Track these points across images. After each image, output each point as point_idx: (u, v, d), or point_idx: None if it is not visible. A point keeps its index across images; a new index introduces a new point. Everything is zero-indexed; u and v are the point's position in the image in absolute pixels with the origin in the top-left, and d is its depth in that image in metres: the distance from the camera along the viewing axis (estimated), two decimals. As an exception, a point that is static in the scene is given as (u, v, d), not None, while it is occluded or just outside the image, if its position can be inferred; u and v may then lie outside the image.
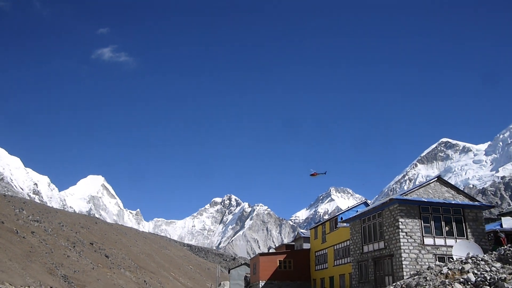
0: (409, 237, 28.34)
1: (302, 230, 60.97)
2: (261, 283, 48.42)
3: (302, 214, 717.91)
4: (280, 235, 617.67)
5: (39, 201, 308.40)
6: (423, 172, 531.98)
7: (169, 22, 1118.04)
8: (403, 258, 27.64)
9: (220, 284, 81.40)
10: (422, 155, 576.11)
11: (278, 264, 49.21)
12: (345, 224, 40.19)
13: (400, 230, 28.47)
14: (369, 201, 48.93)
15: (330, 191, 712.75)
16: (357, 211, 39.93)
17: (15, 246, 57.48)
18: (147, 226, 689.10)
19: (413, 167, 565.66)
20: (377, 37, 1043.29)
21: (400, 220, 28.65)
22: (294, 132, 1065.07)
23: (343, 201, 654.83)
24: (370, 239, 32.69)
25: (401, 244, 28.03)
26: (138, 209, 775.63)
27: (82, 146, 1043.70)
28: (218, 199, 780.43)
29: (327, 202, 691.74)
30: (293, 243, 60.37)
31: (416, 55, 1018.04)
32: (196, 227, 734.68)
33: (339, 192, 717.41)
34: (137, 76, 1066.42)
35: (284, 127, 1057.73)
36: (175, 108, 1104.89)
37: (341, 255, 41.70)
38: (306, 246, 52.87)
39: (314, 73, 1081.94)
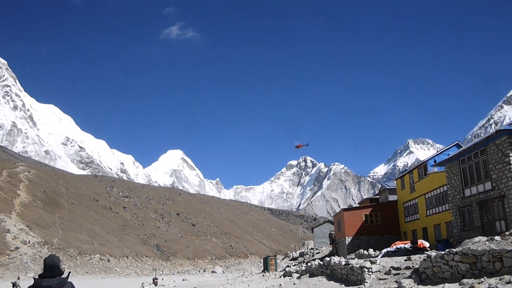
0: (523, 174, 24.79)
1: (385, 183, 58.38)
2: (348, 239, 46.65)
3: (381, 170, 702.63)
4: (359, 192, 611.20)
5: (126, 179, 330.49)
6: (510, 113, 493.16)
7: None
8: (518, 199, 24.15)
9: (304, 243, 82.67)
10: (508, 95, 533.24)
11: (363, 218, 46.79)
12: (436, 169, 37.28)
13: (511, 167, 25.04)
14: (461, 144, 44.50)
15: (408, 143, 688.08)
16: (448, 154, 36.61)
17: (110, 221, 62.37)
18: (227, 194, 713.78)
19: (499, 109, 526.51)
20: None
21: (510, 155, 25.18)
22: (368, 85, 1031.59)
23: (423, 152, 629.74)
24: (473, 181, 29.19)
25: (515, 182, 24.53)
26: (218, 178, 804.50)
27: (159, 124, 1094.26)
28: (294, 162, 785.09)
29: (406, 155, 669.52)
30: (377, 196, 58.29)
31: None
32: (275, 191, 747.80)
33: (417, 144, 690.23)
34: (205, 49, 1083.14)
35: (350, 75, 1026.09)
36: (244, 76, 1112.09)
37: (434, 203, 38.65)
38: (391, 198, 50.20)
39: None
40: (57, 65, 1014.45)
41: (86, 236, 48.23)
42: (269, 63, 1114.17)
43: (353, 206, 53.85)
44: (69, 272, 4.56)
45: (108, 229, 57.15)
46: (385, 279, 18.16)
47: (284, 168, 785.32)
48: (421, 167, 41.51)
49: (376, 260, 19.78)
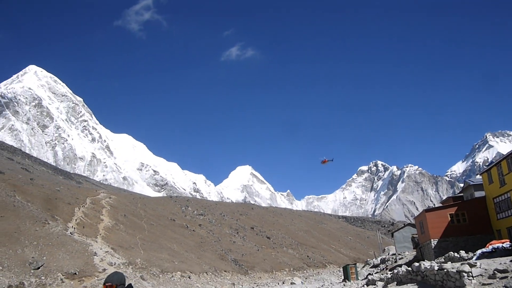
0: None
1: (469, 180, 53.95)
2: (433, 242, 43.47)
3: (458, 168, 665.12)
4: (438, 193, 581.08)
5: (200, 197, 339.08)
6: None
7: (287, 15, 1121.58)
8: None
9: (384, 249, 79.38)
10: None
11: (449, 218, 43.68)
12: None
13: None
14: None
15: (486, 137, 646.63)
16: None
17: (188, 239, 63.74)
18: (299, 205, 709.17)
19: None
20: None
21: None
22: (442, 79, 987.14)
23: (504, 145, 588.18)
24: None
25: None
26: (288, 190, 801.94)
27: (227, 142, 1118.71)
28: (364, 167, 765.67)
29: (485, 149, 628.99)
30: (461, 194, 54.03)
31: None
32: (348, 198, 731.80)
33: (497, 137, 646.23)
34: (266, 66, 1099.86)
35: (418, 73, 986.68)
36: (308, 91, 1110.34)
37: None
38: (478, 194, 46.15)
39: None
40: (127, 97, 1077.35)
41: (166, 255, 49.50)
42: (334, 76, 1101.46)
43: (433, 207, 50.33)
44: (130, 284, 4.99)
45: (186, 247, 58.37)
46: (489, 284, 16.08)
47: (355, 175, 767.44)
48: (511, 157, 37.75)
49: (476, 263, 17.69)
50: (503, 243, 27.62)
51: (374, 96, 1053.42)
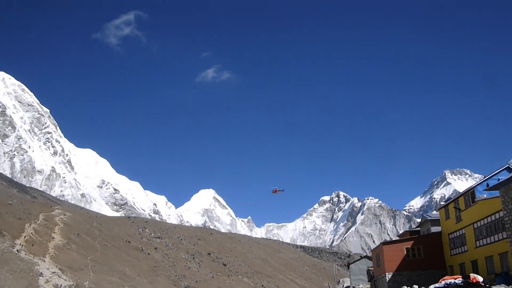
0: None
1: (427, 214, 55.08)
2: (388, 275, 43.85)
3: (417, 203, 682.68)
4: (395, 227, 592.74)
5: (159, 219, 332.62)
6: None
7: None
8: None
9: (339, 281, 79.97)
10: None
11: (405, 252, 44.12)
12: (485, 195, 34.52)
13: None
14: None
15: (444, 174, 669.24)
16: (499, 179, 32.64)
17: (141, 262, 62.32)
18: (259, 232, 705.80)
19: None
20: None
21: None
22: (393, 114, 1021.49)
23: (461, 183, 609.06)
24: None
25: None
26: (249, 217, 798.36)
27: (191, 164, 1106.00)
28: (326, 198, 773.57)
29: (443, 186, 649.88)
30: (418, 228, 55.15)
31: None
32: (307, 228, 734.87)
33: (455, 174, 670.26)
34: (240, 90, 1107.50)
35: (378, 109, 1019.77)
36: (275, 117, 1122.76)
37: (484, 233, 35.80)
38: (434, 229, 46.96)
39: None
40: (96, 112, 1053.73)
41: (117, 278, 48.19)
42: (301, 103, 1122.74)
43: (390, 240, 51.29)
44: None
45: (139, 270, 57.02)
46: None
47: (317, 204, 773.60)
48: (468, 194, 38.60)
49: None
50: (455, 279, 28.45)
51: (337, 129, 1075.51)
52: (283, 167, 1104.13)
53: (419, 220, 55.42)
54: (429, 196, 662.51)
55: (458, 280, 28.63)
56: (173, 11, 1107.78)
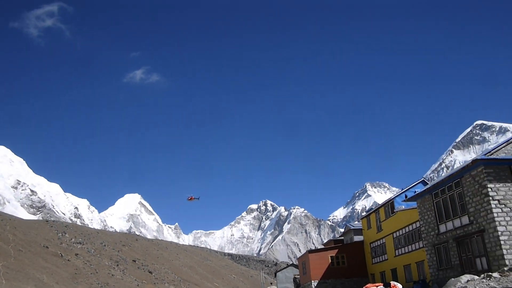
0: (503, 205, 22.76)
1: (350, 224, 57.09)
2: (314, 283, 44.73)
3: (340, 213, 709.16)
4: (320, 236, 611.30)
5: (80, 224, 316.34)
6: (460, 157, 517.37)
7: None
8: (499, 233, 22.28)
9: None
10: (457, 140, 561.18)
11: (330, 260, 45.34)
12: (403, 206, 36.34)
13: (490, 198, 22.87)
14: (426, 181, 43.21)
15: (365, 187, 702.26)
16: (415, 191, 34.57)
17: (60, 269, 58.58)
18: (186, 239, 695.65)
19: (449, 154, 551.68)
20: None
21: (488, 186, 23.08)
22: (320, 130, 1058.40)
23: (380, 195, 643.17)
24: (448, 216, 27.04)
25: (494, 215, 22.59)
26: (177, 223, 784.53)
27: (116, 167, 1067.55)
28: (254, 206, 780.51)
29: (364, 198, 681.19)
30: (342, 237, 56.94)
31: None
32: (235, 235, 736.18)
33: (375, 187, 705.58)
34: (168, 94, 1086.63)
35: (307, 124, 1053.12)
36: (204, 123, 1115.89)
37: (403, 243, 37.32)
38: (357, 238, 48.83)
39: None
40: (10, 105, 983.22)
41: (33, 286, 44.85)
42: (233, 108, 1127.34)
43: (316, 248, 52.49)
44: None
45: (58, 278, 53.52)
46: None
47: (245, 212, 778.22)
48: (388, 205, 40.28)
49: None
50: (377, 286, 29.50)
51: (271, 142, 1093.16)
52: (210, 174, 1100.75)
53: (342, 230, 57.52)
54: (351, 207, 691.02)
55: (380, 287, 29.72)
56: (101, 6, 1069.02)
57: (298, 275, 59.17)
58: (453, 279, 23.03)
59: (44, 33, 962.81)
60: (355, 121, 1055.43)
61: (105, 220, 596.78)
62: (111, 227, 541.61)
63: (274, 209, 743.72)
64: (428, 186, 30.22)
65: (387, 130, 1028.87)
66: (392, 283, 29.64)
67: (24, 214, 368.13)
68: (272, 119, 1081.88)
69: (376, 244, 43.32)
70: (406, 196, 34.85)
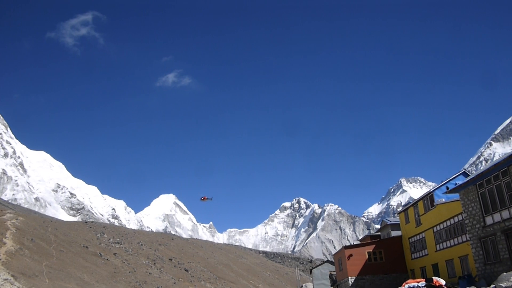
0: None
1: (387, 219, 55.76)
2: (351, 280, 43.90)
3: (375, 209, 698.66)
4: (355, 233, 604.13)
5: (118, 224, 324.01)
6: (499, 150, 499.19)
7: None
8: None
9: (302, 286, 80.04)
10: (496, 132, 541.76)
11: (367, 256, 44.35)
12: (444, 199, 35.03)
13: None
14: (468, 172, 41.31)
15: (400, 182, 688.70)
16: (456, 183, 32.92)
17: (100, 268, 60.03)
18: (221, 238, 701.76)
19: (488, 147, 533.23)
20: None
21: None
22: (351, 127, 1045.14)
23: (416, 191, 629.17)
24: (495, 207, 25.39)
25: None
26: (211, 222, 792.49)
27: (151, 169, 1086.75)
28: (287, 204, 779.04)
29: (399, 194, 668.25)
30: (378, 233, 55.80)
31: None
32: (269, 233, 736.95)
33: (410, 182, 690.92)
34: (200, 96, 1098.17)
35: (338, 122, 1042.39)
36: (236, 121, 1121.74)
37: (444, 237, 35.83)
38: (395, 234, 47.57)
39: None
40: (51, 113, 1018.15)
41: (74, 285, 46.07)
42: (261, 105, 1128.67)
43: (352, 244, 51.58)
44: None
45: (98, 277, 54.85)
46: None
47: (278, 210, 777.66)
48: (427, 198, 38.86)
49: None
50: (418, 282, 28.63)
51: (303, 139, 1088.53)
52: (244, 172, 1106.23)
53: (377, 226, 56.36)
54: (386, 203, 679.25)
55: (421, 283, 28.84)
56: (133, 13, 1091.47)
57: (334, 271, 58.30)
58: (505, 273, 21.70)
59: (79, 42, 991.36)
60: (388, 117, 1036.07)
61: (141, 220, 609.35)
62: (147, 227, 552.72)
63: (307, 206, 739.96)
64: (471, 176, 28.79)
65: (422, 124, 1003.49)
66: (435, 279, 28.68)
67: (64, 216, 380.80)
68: (300, 118, 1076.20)
69: (415, 239, 42.02)
70: (447, 188, 33.57)
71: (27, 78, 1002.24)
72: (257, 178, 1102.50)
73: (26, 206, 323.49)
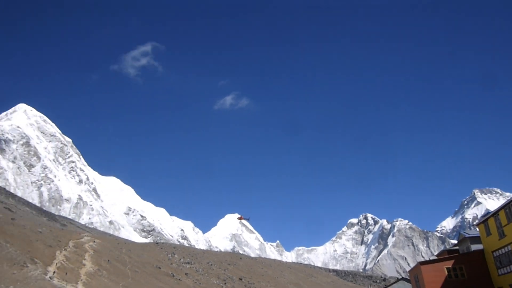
0: None
1: (464, 232, 51.82)
2: None
3: (448, 224, 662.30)
4: (429, 249, 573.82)
5: (187, 245, 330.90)
6: None
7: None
8: None
9: (377, 306, 76.25)
10: None
11: (446, 272, 41.37)
12: None
13: None
14: None
15: (474, 194, 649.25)
16: None
17: (173, 289, 60.75)
18: (289, 256, 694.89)
19: None
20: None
21: None
22: (418, 135, 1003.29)
23: (492, 202, 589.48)
24: None
25: None
26: (278, 241, 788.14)
27: (216, 190, 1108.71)
28: (354, 220, 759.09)
29: (474, 206, 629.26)
30: (456, 247, 51.78)
31: None
32: (338, 251, 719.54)
33: (485, 194, 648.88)
34: (257, 116, 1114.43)
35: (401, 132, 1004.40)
36: (296, 140, 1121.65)
37: None
38: (475, 247, 44.03)
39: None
40: (118, 140, 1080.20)
41: (149, 305, 46.72)
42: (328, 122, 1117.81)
43: (428, 260, 48.30)
44: None
45: (171, 297, 55.43)
46: None
47: (345, 227, 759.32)
48: (509, 207, 35.90)
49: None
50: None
51: (363, 148, 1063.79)
52: (308, 190, 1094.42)
53: (453, 241, 52.30)
54: (460, 217, 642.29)
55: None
56: (189, 41, 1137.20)
57: (411, 289, 54.89)
58: None
59: (141, 72, 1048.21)
60: (455, 125, 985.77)
61: (209, 241, 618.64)
62: (216, 247, 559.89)
63: (375, 222, 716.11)
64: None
65: (493, 131, 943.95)
66: None
67: (136, 238, 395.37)
68: (359, 136, 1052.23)
69: (501, 253, 38.33)
70: None
71: (96, 108, 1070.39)
72: (324, 193, 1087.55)
73: (101, 229, 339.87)
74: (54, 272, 42.83)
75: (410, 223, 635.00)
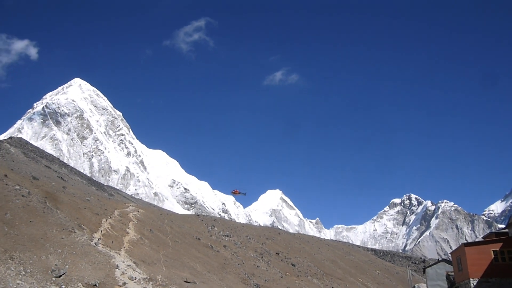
0: None
1: None
2: (473, 282, 39.17)
3: (497, 207, 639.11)
4: (474, 232, 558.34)
5: (228, 218, 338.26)
6: None
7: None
8: None
9: (414, 287, 75.93)
10: None
11: (492, 255, 39.32)
12: None
13: None
14: None
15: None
16: None
17: (211, 259, 62.95)
18: (328, 234, 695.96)
19: None
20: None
21: None
22: (467, 119, 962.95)
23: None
24: None
25: None
26: (318, 218, 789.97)
27: (258, 165, 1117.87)
28: (397, 200, 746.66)
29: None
30: (506, 230, 49.97)
31: None
32: (378, 230, 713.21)
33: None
34: (306, 92, 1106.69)
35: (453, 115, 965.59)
36: (344, 118, 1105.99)
37: None
38: None
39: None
40: (167, 114, 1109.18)
41: (188, 274, 48.83)
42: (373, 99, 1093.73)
43: (474, 241, 46.84)
44: None
45: (209, 267, 57.56)
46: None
47: (387, 207, 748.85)
48: None
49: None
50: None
51: (407, 130, 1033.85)
52: (352, 168, 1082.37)
53: (501, 225, 50.13)
54: (511, 201, 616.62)
55: None
56: (241, 16, 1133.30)
57: (451, 272, 53.79)
58: None
59: (193, 47, 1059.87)
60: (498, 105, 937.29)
61: (249, 215, 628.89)
62: (255, 221, 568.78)
63: (419, 203, 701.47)
64: None
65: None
66: None
67: (179, 210, 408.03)
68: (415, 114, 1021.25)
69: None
70: None
71: (147, 83, 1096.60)
72: (367, 172, 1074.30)
73: (146, 200, 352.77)
74: (99, 239, 45.45)
75: (455, 205, 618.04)
